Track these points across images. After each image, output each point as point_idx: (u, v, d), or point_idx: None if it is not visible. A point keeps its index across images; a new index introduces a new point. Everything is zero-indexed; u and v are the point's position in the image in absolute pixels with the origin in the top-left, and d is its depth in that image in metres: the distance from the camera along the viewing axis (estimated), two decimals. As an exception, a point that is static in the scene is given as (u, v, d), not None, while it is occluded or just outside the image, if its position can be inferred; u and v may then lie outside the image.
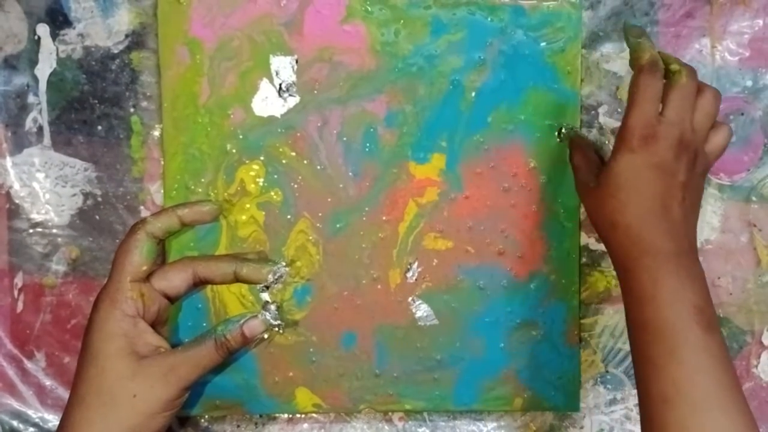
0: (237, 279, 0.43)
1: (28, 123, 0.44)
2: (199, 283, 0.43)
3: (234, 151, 0.44)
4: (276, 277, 0.44)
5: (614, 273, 0.47)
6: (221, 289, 0.44)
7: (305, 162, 0.45)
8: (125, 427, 0.38)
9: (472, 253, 0.45)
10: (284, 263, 0.44)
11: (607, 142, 0.47)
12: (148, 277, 0.41)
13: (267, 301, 0.44)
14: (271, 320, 0.43)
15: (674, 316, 0.37)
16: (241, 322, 0.42)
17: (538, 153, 0.45)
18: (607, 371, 0.47)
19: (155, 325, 0.41)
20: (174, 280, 0.42)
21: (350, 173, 0.45)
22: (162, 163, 0.44)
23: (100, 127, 0.45)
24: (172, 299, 0.42)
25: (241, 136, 0.44)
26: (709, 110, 0.40)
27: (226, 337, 0.41)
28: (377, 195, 0.45)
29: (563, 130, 0.45)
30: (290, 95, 0.44)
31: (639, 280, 0.38)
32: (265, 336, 0.44)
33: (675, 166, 0.39)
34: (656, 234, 0.38)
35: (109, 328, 0.39)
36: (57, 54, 0.44)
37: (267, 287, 0.44)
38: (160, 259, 0.42)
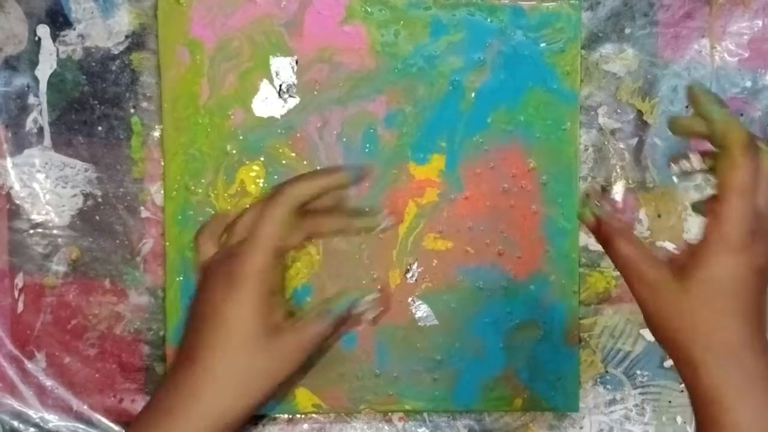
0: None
1: (29, 124, 0.44)
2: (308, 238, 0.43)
3: (234, 151, 0.44)
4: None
5: (614, 273, 0.47)
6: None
7: (305, 162, 0.45)
8: (252, 402, 0.38)
9: (472, 253, 0.46)
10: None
11: (606, 143, 0.47)
12: None
13: None
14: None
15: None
16: (352, 300, 0.42)
17: (537, 153, 0.45)
18: (606, 371, 0.48)
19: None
20: (290, 240, 0.41)
21: (350, 174, 0.45)
22: (162, 163, 0.45)
23: (100, 128, 0.45)
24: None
25: (241, 137, 0.44)
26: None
27: (342, 315, 0.41)
28: (377, 195, 0.45)
29: (589, 200, 0.40)
30: (290, 96, 0.44)
31: (736, 412, 0.32)
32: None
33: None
34: (758, 355, 0.33)
35: (255, 304, 0.38)
36: (57, 55, 0.44)
37: None
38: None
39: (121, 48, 0.45)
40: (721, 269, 0.33)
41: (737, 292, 0.33)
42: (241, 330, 0.38)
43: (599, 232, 0.38)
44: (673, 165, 0.39)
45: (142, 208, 0.45)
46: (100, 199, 0.45)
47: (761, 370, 0.33)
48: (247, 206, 0.42)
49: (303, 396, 0.45)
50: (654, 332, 0.36)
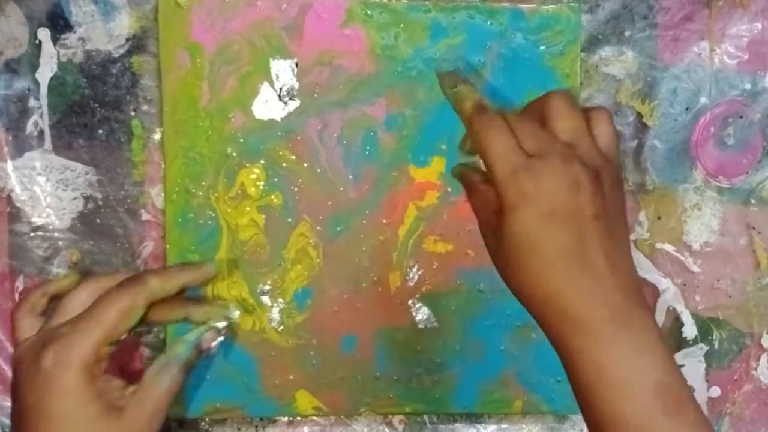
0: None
1: (29, 127, 0.44)
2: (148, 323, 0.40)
3: (234, 154, 0.44)
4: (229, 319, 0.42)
5: (614, 275, 0.47)
6: (221, 291, 0.44)
7: (305, 165, 0.45)
8: None
9: (472, 256, 0.46)
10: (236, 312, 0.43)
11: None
12: None
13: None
14: (276, 327, 0.43)
15: (632, 409, 0.30)
16: (196, 341, 0.40)
17: (537, 156, 0.45)
18: (606, 374, 0.47)
19: None
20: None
21: (350, 176, 0.45)
22: (162, 166, 0.45)
23: (100, 131, 0.45)
24: None
25: (241, 140, 0.44)
26: (565, 110, 0.34)
27: (190, 359, 0.39)
28: (377, 198, 0.45)
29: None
30: (290, 99, 0.44)
31: (578, 368, 0.31)
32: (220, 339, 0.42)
33: (574, 200, 0.31)
34: (580, 302, 0.31)
35: (82, 395, 0.35)
36: (58, 58, 0.44)
37: (265, 293, 0.44)
38: None
39: (122, 51, 0.45)
40: (511, 227, 0.32)
41: (539, 247, 0.31)
42: (71, 423, 0.35)
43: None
44: (462, 146, 0.39)
45: (142, 211, 0.45)
46: (100, 202, 0.45)
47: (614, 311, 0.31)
48: (80, 282, 0.40)
49: (303, 398, 0.45)
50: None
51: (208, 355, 0.42)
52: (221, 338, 0.42)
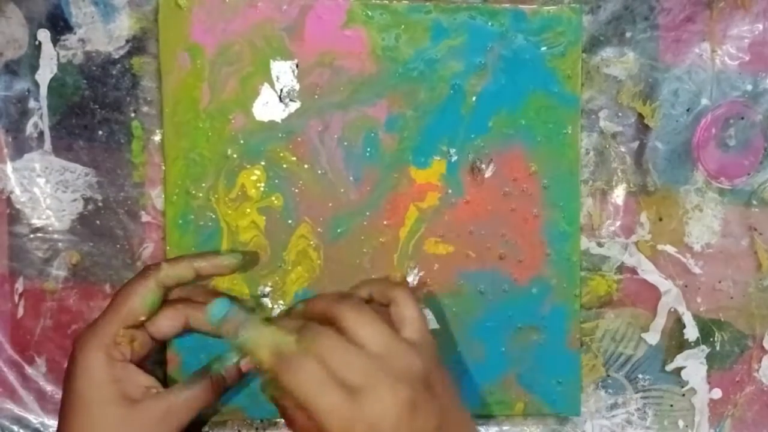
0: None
1: (29, 128, 0.44)
2: (189, 330, 0.41)
3: (235, 156, 0.44)
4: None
5: (615, 277, 0.47)
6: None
7: (306, 167, 0.45)
8: None
9: (473, 257, 0.45)
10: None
11: (607, 146, 0.47)
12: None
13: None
14: None
15: None
16: (232, 359, 0.40)
17: (538, 157, 0.45)
18: (608, 375, 0.47)
19: (144, 361, 0.40)
20: (164, 327, 0.40)
21: (351, 178, 0.45)
22: (163, 168, 0.44)
23: (100, 132, 0.45)
24: (160, 341, 0.41)
25: (241, 141, 0.44)
26: (361, 317, 0.34)
27: (222, 375, 0.40)
28: (378, 200, 0.45)
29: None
30: (291, 100, 0.44)
31: None
32: None
33: (415, 423, 0.32)
34: None
35: (98, 375, 0.37)
36: (58, 59, 0.44)
37: (265, 295, 0.44)
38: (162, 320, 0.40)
39: (122, 52, 0.44)
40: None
41: None
42: (87, 403, 0.37)
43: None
44: (263, 390, 0.37)
45: (142, 212, 0.45)
46: (100, 204, 0.45)
47: None
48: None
49: (304, 401, 0.45)
50: None
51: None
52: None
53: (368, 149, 0.45)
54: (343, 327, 0.35)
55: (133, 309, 0.38)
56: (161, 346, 0.43)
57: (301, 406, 0.33)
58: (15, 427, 0.45)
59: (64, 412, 0.38)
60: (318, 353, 0.33)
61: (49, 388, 0.45)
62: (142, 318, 0.39)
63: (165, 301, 0.40)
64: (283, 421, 0.46)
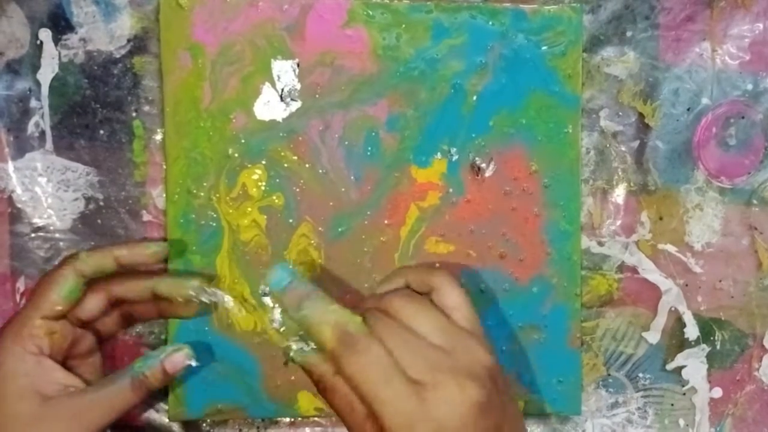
0: (156, 296, 0.39)
1: (30, 127, 0.44)
2: (116, 305, 0.40)
3: (236, 155, 0.44)
4: (209, 297, 0.39)
5: (615, 276, 0.47)
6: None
7: (307, 166, 0.45)
8: None
9: (474, 256, 0.45)
10: (219, 290, 0.40)
11: (608, 145, 0.47)
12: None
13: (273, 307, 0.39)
14: (278, 328, 0.38)
15: None
16: (162, 357, 0.38)
17: (539, 156, 0.45)
18: (608, 374, 0.47)
19: (71, 359, 0.39)
20: (87, 303, 0.38)
21: (352, 177, 0.45)
22: (164, 167, 0.45)
23: (102, 132, 0.45)
24: (99, 333, 0.40)
25: (243, 141, 0.44)
26: (419, 308, 0.33)
27: (144, 375, 0.38)
28: (379, 199, 0.45)
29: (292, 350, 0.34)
30: (292, 99, 0.44)
31: None
32: (193, 363, 0.39)
33: (484, 423, 0.30)
34: None
35: (8, 367, 0.36)
36: (59, 58, 0.44)
37: (266, 293, 0.44)
38: (83, 297, 0.39)
39: (123, 52, 0.45)
40: None
41: None
42: (3, 392, 0.35)
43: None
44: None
45: (143, 211, 0.45)
46: (101, 203, 0.45)
47: None
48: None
49: (305, 399, 0.45)
50: None
51: (180, 375, 0.40)
52: (194, 363, 0.40)
53: (369, 148, 0.45)
54: (399, 320, 0.33)
55: (50, 299, 0.37)
56: (103, 339, 0.41)
57: (361, 395, 0.31)
58: (16, 426, 0.45)
59: None
60: (386, 339, 0.31)
61: (50, 387, 0.45)
62: (59, 308, 0.37)
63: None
64: (284, 420, 0.46)
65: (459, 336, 0.33)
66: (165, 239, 0.43)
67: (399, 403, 0.30)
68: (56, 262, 0.39)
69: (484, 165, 0.45)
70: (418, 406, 0.30)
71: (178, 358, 0.38)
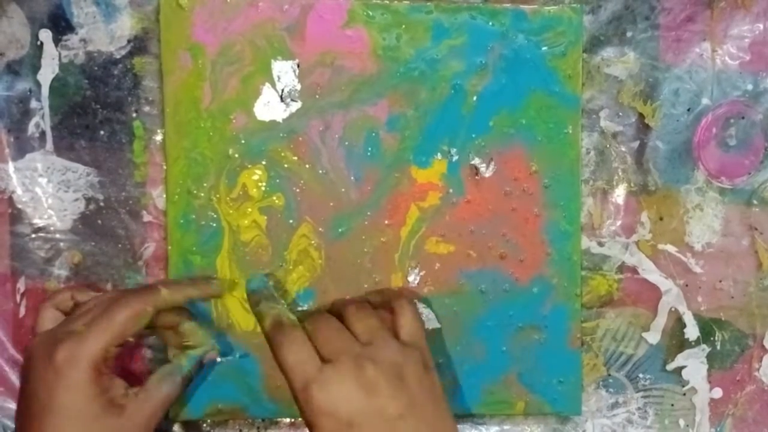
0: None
1: (31, 128, 0.44)
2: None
3: (236, 155, 0.44)
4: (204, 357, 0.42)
5: (615, 276, 0.47)
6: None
7: (307, 166, 0.45)
8: None
9: (474, 257, 0.46)
10: (213, 348, 0.43)
11: (608, 146, 0.47)
12: None
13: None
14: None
15: None
16: (200, 357, 0.41)
17: (539, 157, 0.45)
18: (609, 375, 0.48)
19: None
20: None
21: (352, 177, 0.45)
22: (164, 167, 0.45)
23: (102, 132, 0.45)
24: None
25: (243, 141, 0.44)
26: (358, 313, 0.39)
27: (189, 371, 0.41)
28: (379, 199, 0.45)
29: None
30: (292, 100, 0.44)
31: None
32: (218, 359, 0.44)
33: (372, 403, 0.35)
34: None
35: (89, 390, 0.37)
36: (59, 59, 0.44)
37: None
38: None
39: (123, 52, 0.45)
40: None
41: None
42: (75, 417, 0.36)
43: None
44: None
45: (144, 212, 0.45)
46: (102, 203, 0.45)
47: None
48: (102, 294, 0.41)
49: (305, 400, 0.45)
50: None
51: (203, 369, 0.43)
52: (221, 359, 0.44)
53: (369, 149, 0.45)
54: (343, 318, 0.39)
55: (127, 332, 0.38)
56: None
57: (280, 367, 0.37)
58: (17, 427, 0.45)
59: (42, 425, 0.36)
60: (311, 329, 0.38)
61: (50, 387, 0.45)
62: (132, 340, 0.39)
63: None
64: (284, 421, 0.46)
65: (382, 337, 0.38)
66: (213, 277, 0.44)
67: (299, 366, 0.36)
68: (135, 292, 0.39)
69: (483, 166, 0.45)
70: (315, 372, 0.35)
71: (212, 355, 0.42)
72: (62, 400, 0.36)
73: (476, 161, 0.45)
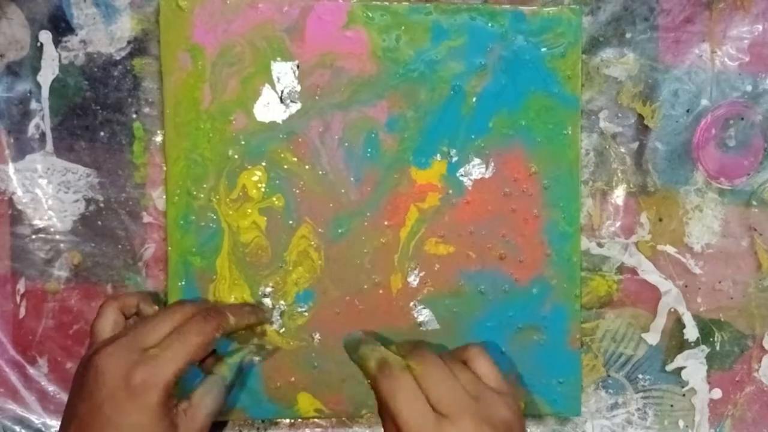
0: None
1: (31, 129, 0.44)
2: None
3: (236, 156, 0.44)
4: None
5: (615, 277, 0.47)
6: (223, 293, 0.44)
7: (307, 167, 0.45)
8: None
9: (474, 258, 0.46)
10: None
11: (607, 147, 0.47)
12: None
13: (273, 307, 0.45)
14: (278, 329, 0.45)
15: None
16: (239, 364, 0.42)
17: (539, 158, 0.45)
18: (608, 375, 0.48)
19: None
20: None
21: (352, 178, 0.45)
22: (164, 168, 0.45)
23: (102, 133, 0.45)
24: None
25: (243, 142, 0.44)
26: (463, 372, 0.38)
27: (233, 381, 0.42)
28: (379, 200, 0.45)
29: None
30: (292, 101, 0.44)
31: None
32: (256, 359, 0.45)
33: None
34: None
35: (159, 412, 0.37)
36: (59, 60, 0.44)
37: (266, 295, 0.44)
38: None
39: (123, 53, 0.45)
40: None
41: None
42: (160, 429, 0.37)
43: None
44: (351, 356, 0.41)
45: (144, 213, 0.45)
46: (102, 204, 0.45)
47: None
48: (170, 309, 0.41)
49: (305, 401, 0.45)
50: None
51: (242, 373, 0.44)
52: (258, 359, 0.45)
53: (369, 150, 0.45)
54: (464, 359, 0.39)
55: (198, 357, 0.39)
56: None
57: (389, 414, 0.36)
58: (17, 428, 0.45)
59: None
60: (419, 373, 0.37)
61: (50, 388, 0.45)
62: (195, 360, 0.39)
63: None
64: (284, 421, 0.46)
65: (486, 390, 0.38)
66: (262, 305, 0.45)
67: (417, 422, 0.35)
68: (207, 318, 0.40)
69: (484, 167, 0.45)
70: (433, 429, 0.35)
71: (251, 358, 0.44)
72: (132, 420, 0.36)
73: (476, 162, 0.45)
